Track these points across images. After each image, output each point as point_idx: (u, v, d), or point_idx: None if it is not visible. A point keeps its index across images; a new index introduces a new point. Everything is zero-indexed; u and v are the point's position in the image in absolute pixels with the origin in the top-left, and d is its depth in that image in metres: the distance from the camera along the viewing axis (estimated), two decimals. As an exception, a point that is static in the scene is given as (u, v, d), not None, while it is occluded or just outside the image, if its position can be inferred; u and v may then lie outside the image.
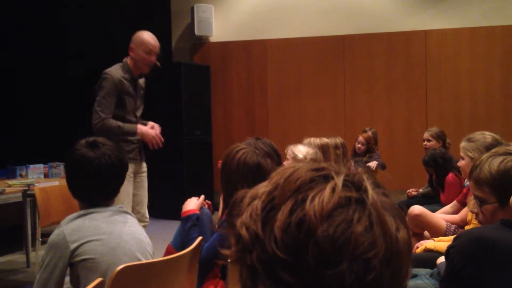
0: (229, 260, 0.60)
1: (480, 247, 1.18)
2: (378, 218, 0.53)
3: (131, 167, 3.32)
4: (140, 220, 3.37)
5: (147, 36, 3.36)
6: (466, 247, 1.20)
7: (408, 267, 0.56)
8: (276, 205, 0.56)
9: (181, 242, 2.03)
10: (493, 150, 1.52)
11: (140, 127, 3.33)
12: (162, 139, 3.40)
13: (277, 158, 1.82)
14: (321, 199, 0.53)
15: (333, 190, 0.54)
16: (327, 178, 0.56)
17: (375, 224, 0.53)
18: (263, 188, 0.60)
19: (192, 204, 2.09)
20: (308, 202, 0.54)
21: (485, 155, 1.50)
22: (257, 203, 0.58)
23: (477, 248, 1.18)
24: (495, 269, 1.14)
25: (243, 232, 0.57)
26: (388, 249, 0.53)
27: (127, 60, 3.36)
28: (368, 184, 0.56)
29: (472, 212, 1.63)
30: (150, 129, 3.36)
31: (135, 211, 3.38)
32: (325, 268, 0.51)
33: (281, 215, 0.54)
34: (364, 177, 0.57)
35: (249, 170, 1.73)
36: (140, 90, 3.47)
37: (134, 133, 3.31)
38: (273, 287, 0.54)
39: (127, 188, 3.24)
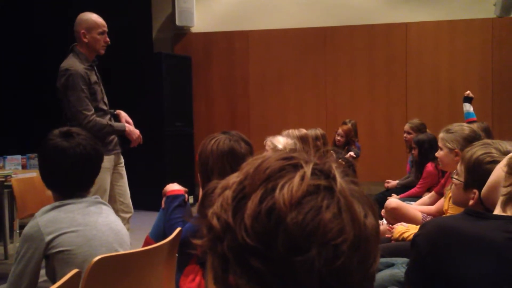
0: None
1: (443, 235, 1.21)
2: (346, 205, 0.54)
3: (111, 160, 3.28)
4: (125, 211, 3.36)
5: (95, 17, 3.23)
6: (430, 235, 1.23)
7: (377, 253, 0.57)
8: (246, 194, 0.56)
9: (163, 222, 1.98)
10: (489, 141, 1.67)
11: (128, 126, 3.33)
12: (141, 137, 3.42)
13: (249, 147, 1.82)
14: (290, 187, 0.54)
15: (302, 178, 0.55)
16: (296, 167, 0.57)
17: (343, 211, 0.54)
18: (234, 178, 0.60)
19: (177, 185, 2.06)
20: (277, 190, 0.54)
21: (481, 142, 1.68)
22: (228, 193, 0.58)
23: (441, 236, 1.21)
24: (457, 256, 1.17)
25: (214, 222, 0.57)
26: (357, 235, 0.54)
27: (78, 48, 3.20)
28: (337, 173, 0.57)
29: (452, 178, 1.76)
30: (134, 129, 3.36)
31: (119, 202, 3.35)
32: (294, 255, 0.52)
33: (251, 203, 0.55)
34: (333, 165, 0.58)
35: (223, 155, 1.74)
36: (99, 75, 3.35)
37: (123, 131, 3.30)
38: (243, 275, 0.54)
39: (105, 181, 3.21)
